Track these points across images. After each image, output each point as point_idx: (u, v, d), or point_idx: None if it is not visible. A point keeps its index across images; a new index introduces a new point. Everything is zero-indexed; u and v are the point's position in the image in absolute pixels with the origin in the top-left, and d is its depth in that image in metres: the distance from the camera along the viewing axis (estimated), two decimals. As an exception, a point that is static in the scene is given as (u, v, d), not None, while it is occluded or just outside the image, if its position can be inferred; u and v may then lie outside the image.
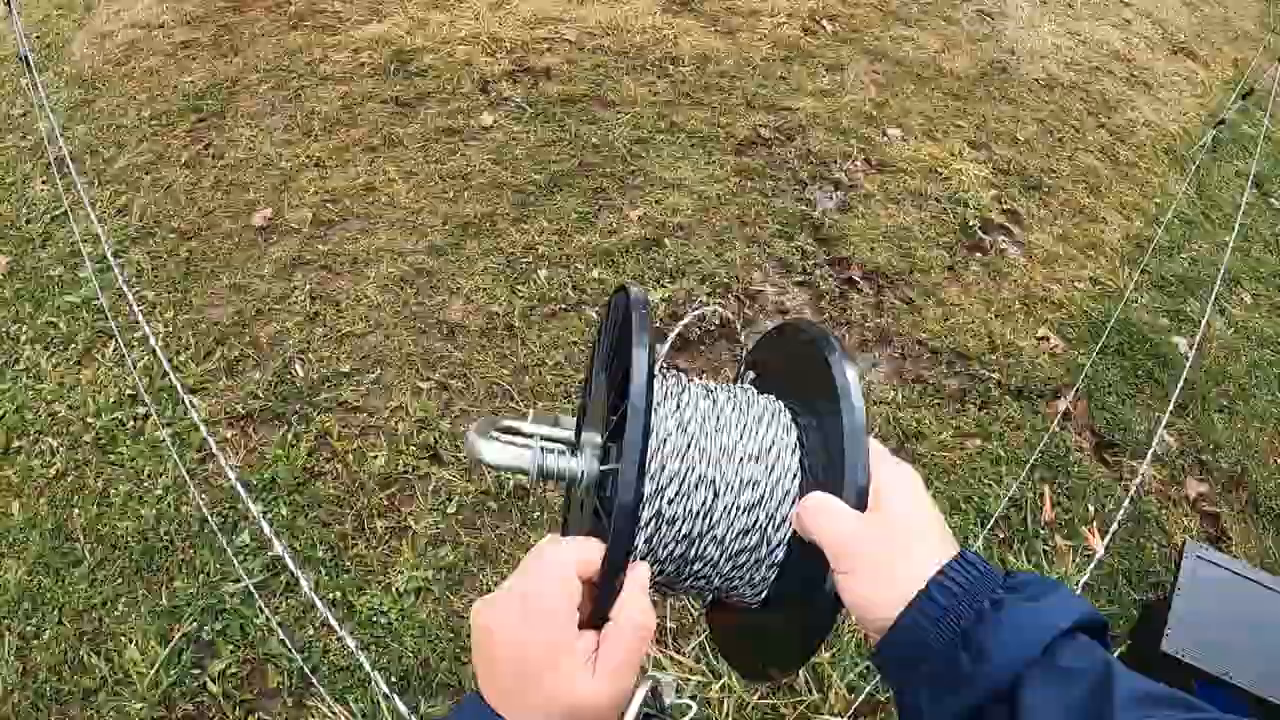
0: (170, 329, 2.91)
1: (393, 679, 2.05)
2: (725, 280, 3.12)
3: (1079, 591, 2.23)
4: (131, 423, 2.63)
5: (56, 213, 3.42)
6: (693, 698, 1.95)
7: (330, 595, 2.21)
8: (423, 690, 2.07)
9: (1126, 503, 2.49)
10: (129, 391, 2.69)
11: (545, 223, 3.32)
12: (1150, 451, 2.66)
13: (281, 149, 3.70)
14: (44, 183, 3.65)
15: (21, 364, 2.83)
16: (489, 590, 1.05)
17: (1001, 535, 2.50)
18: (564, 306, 2.98)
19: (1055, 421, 2.79)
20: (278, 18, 4.71)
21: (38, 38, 4.89)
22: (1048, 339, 3.17)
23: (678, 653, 2.03)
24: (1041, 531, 2.52)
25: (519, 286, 3.03)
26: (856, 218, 3.54)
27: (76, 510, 2.42)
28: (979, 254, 3.52)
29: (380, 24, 4.57)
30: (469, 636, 0.61)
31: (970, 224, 3.63)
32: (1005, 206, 3.83)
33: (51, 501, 2.45)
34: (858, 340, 3.02)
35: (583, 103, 4.01)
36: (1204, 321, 3.32)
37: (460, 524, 2.39)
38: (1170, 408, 2.83)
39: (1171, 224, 4.02)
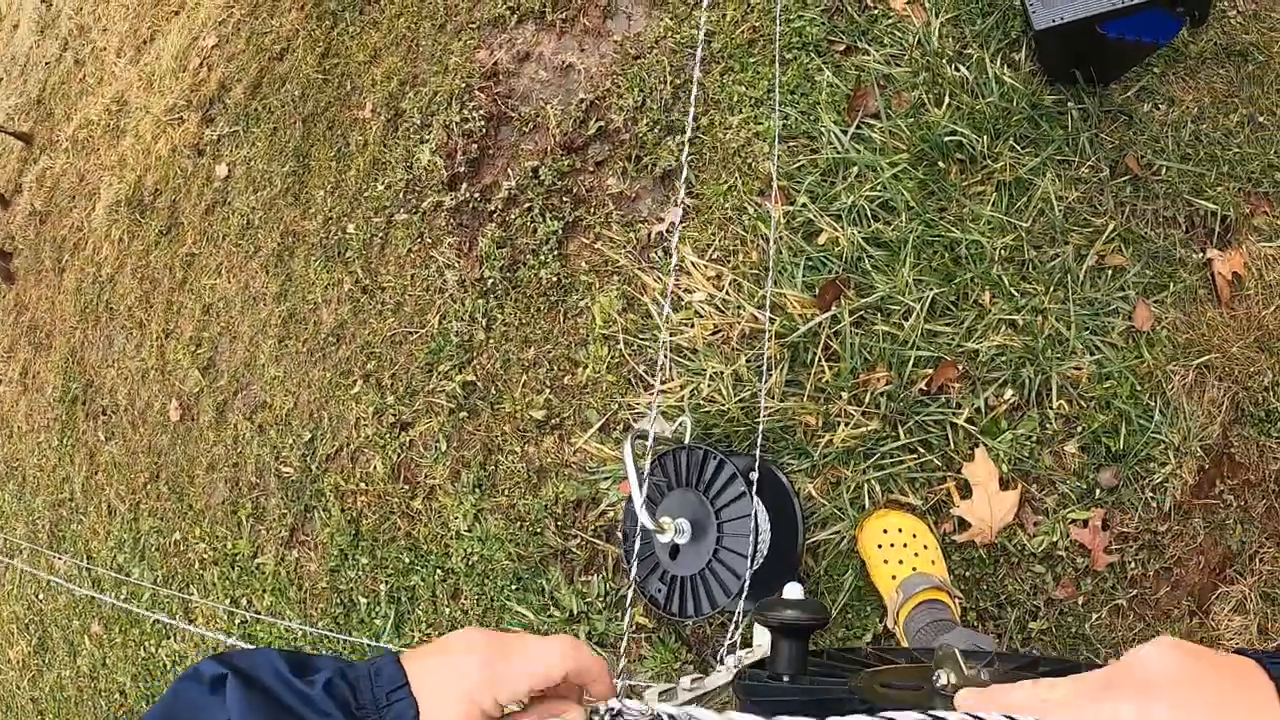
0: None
1: None
2: (462, 83, 2.62)
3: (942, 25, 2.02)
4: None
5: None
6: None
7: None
8: None
9: None
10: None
11: (320, 191, 2.93)
12: None
13: (139, 356, 3.51)
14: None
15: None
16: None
17: (841, 47, 2.09)
18: (380, 232, 2.71)
19: None
20: (46, 279, 4.53)
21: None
22: None
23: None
24: (875, 12, 2.09)
25: (346, 255, 2.75)
26: None
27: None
28: None
29: (100, 199, 4.24)
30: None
31: None
32: None
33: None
34: (599, 13, 2.47)
35: (264, 77, 3.46)
36: None
37: (459, 447, 2.32)
38: None
39: None
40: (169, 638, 3.11)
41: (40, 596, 4.06)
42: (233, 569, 2.81)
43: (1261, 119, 1.91)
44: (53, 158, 5.33)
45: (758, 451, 1.64)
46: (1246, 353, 1.80)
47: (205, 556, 2.92)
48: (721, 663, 0.93)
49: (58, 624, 3.90)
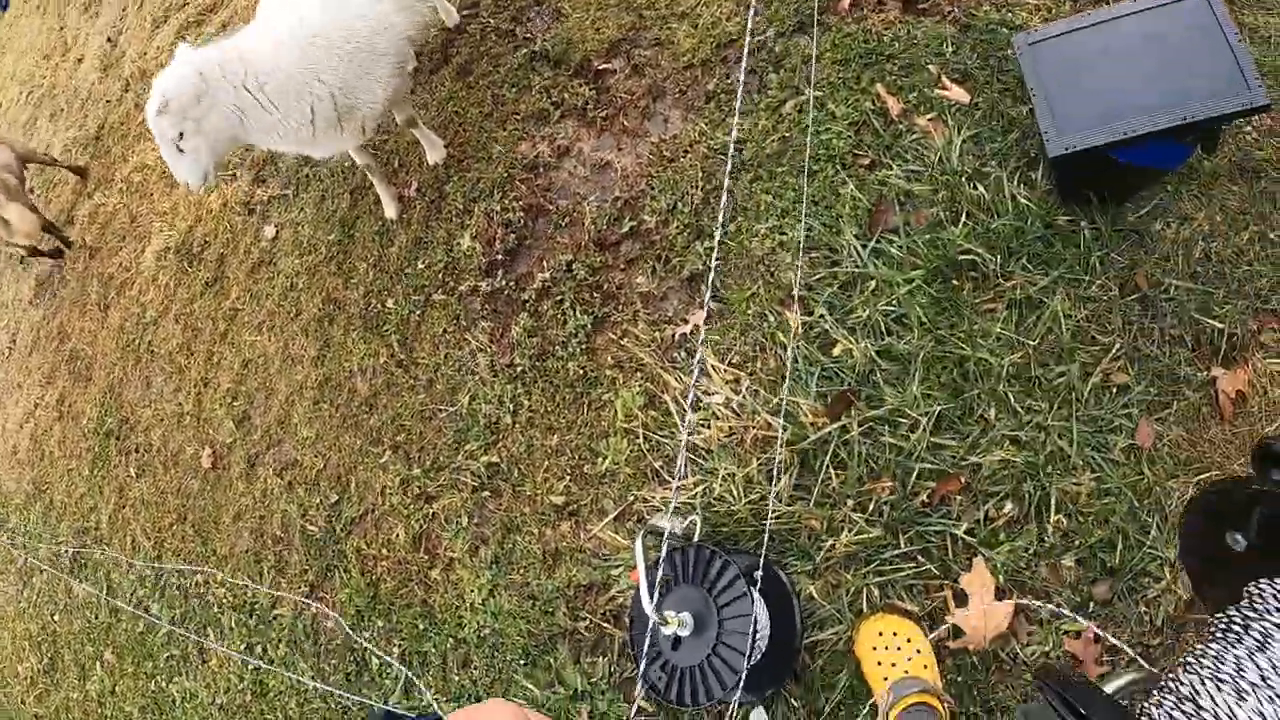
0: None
1: None
2: (504, 174, 2.80)
3: (964, 142, 2.12)
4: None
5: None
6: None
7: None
8: None
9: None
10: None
11: (363, 263, 3.10)
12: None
13: (176, 400, 3.66)
14: (79, 581, 3.88)
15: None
16: None
17: (866, 161, 2.23)
18: (419, 310, 2.83)
19: (847, 20, 2.42)
20: (91, 314, 4.76)
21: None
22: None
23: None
24: (900, 127, 2.24)
25: (384, 329, 2.90)
26: (569, 16, 3.07)
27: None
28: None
29: (151, 243, 4.47)
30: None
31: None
32: None
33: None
34: (639, 116, 2.67)
35: None
36: None
37: (480, 524, 2.39)
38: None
39: None
40: (181, 674, 3.19)
41: (56, 618, 4.15)
42: (250, 616, 2.90)
43: (1273, 235, 1.95)
44: (106, 195, 5.53)
45: (764, 553, 1.73)
46: (1247, 469, 1.83)
47: (225, 601, 3.02)
48: None
49: (70, 647, 3.97)
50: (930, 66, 2.28)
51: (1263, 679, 0.71)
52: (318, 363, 3.00)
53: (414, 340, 2.73)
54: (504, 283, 2.57)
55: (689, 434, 2.02)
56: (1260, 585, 0.79)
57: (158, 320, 4.05)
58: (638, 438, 2.15)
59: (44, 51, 7.63)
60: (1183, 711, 0.74)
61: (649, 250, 2.38)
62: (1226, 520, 0.93)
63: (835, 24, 2.44)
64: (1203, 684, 0.75)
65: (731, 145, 2.22)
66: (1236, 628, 0.77)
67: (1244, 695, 0.71)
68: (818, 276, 2.10)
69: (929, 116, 2.21)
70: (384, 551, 2.51)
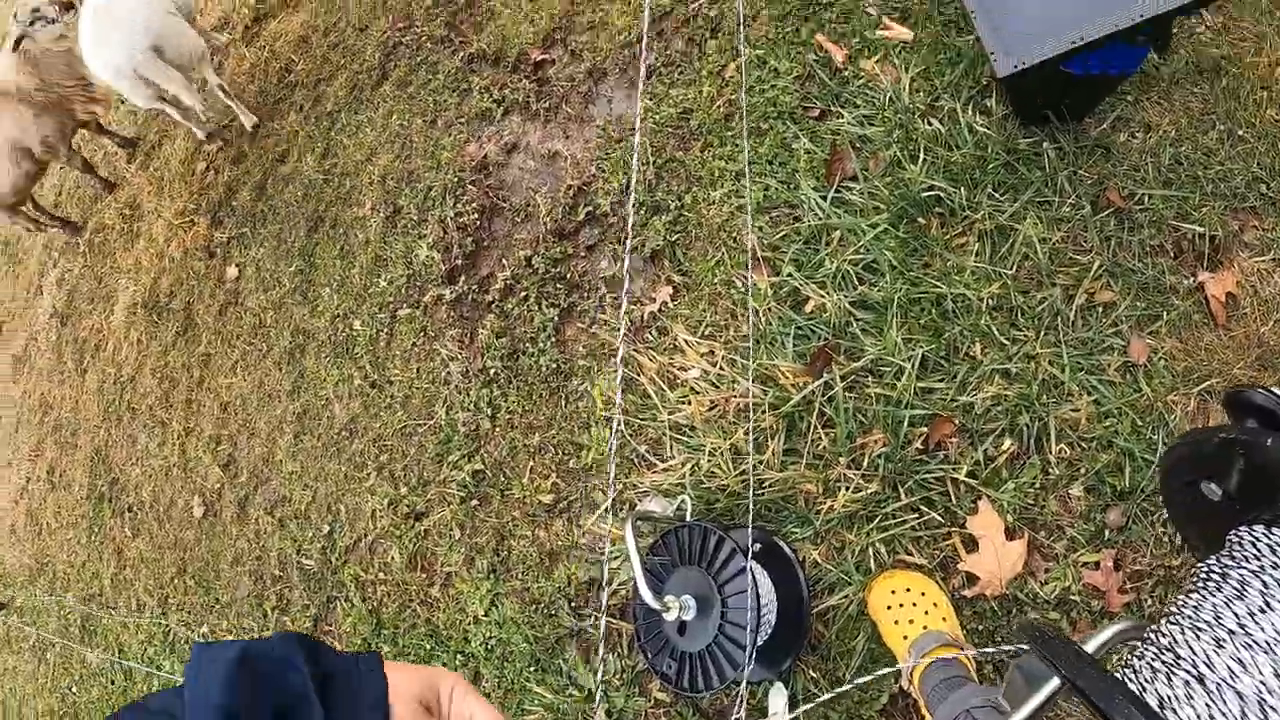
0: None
1: None
2: (454, 177, 2.75)
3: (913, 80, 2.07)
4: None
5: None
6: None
7: None
8: None
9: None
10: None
11: (326, 288, 3.09)
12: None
13: (161, 454, 3.61)
14: (92, 650, 3.86)
15: None
16: None
17: (815, 112, 2.18)
18: (385, 328, 2.79)
19: None
20: (69, 381, 4.75)
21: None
22: None
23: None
24: (846, 74, 2.19)
25: (354, 352, 2.86)
26: (500, 13, 3.01)
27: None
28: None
29: (119, 301, 4.42)
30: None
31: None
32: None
33: None
34: (581, 100, 2.62)
35: (268, 180, 3.63)
36: None
37: (472, 534, 2.34)
38: None
39: None
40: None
41: (74, 689, 4.11)
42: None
43: (1241, 132, 1.91)
44: (71, 260, 5.49)
45: (750, 520, 1.66)
46: (1248, 372, 1.79)
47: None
48: None
49: (91, 717, 3.94)
50: (869, 9, 2.23)
51: (1240, 626, 0.71)
52: (294, 395, 2.95)
53: (385, 359, 2.68)
54: (467, 288, 2.51)
55: (669, 413, 1.96)
56: (1240, 533, 0.79)
57: (134, 377, 4.00)
58: (618, 424, 2.09)
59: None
60: (1162, 661, 0.74)
61: (608, 234, 2.33)
62: (1201, 471, 0.93)
63: (767, -21, 2.37)
64: (1182, 634, 0.75)
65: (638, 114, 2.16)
66: (1215, 576, 0.78)
67: (1221, 643, 0.71)
68: (781, 235, 2.05)
69: (875, 59, 2.17)
70: (382, 575, 2.45)
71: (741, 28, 2.34)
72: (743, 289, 2.04)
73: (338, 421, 2.74)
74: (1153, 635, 0.80)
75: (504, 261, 2.47)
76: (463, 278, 2.53)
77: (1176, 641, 0.75)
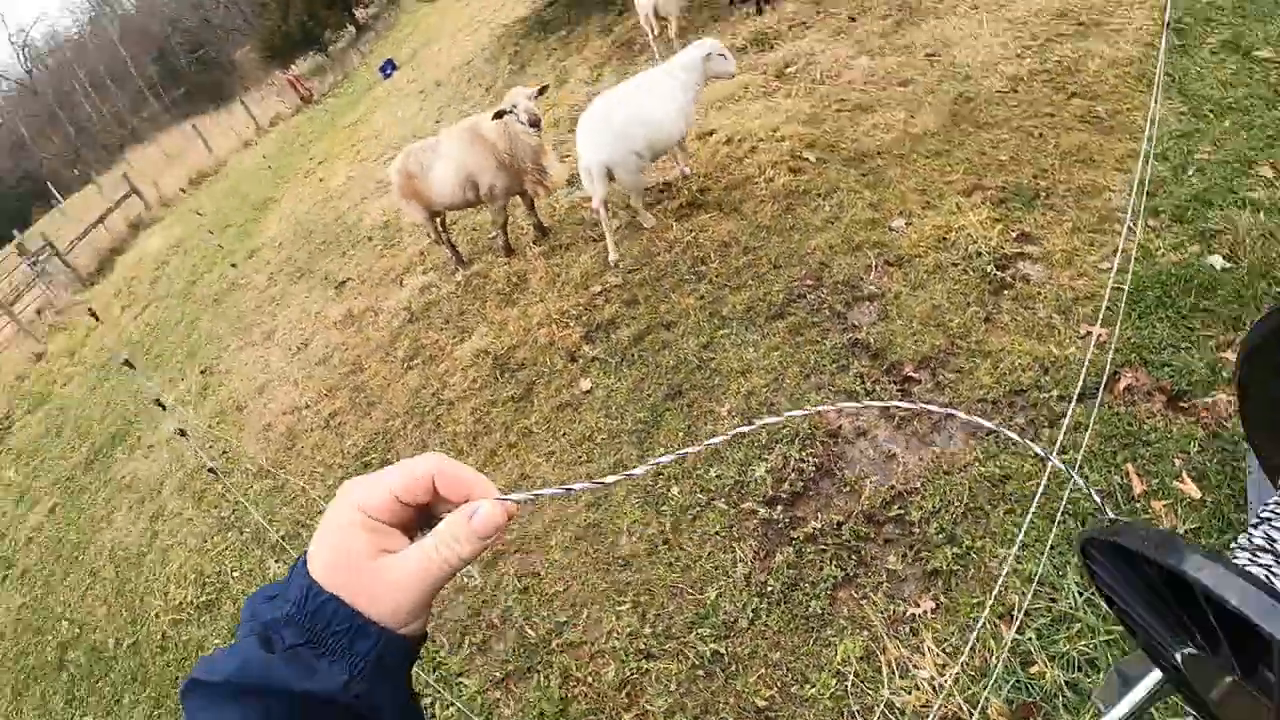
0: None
1: None
2: (809, 430, 3.33)
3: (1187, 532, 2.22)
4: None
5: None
6: None
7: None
8: None
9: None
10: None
11: (661, 449, 3.69)
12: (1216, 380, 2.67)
13: None
14: (276, 561, 4.55)
15: None
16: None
17: (1071, 506, 2.54)
18: (699, 507, 3.30)
19: (1119, 401, 2.82)
20: (392, 365, 5.70)
21: (212, 447, 6.19)
22: (1090, 333, 3.15)
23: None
24: (1138, 505, 2.52)
25: (661, 508, 3.39)
26: (894, 320, 3.72)
27: None
28: (1006, 292, 3.56)
29: (471, 339, 5.34)
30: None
31: (989, 270, 3.69)
32: (1014, 232, 3.86)
33: None
34: (929, 426, 3.13)
35: (649, 334, 4.42)
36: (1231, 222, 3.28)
37: (685, 695, 2.73)
38: (1223, 327, 2.83)
39: (1168, 147, 3.92)
40: None
41: (236, 575, 4.67)
42: (432, 673, 3.33)
43: None
44: (443, 281, 6.51)
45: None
46: None
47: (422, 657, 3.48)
48: None
49: (235, 601, 4.43)
50: (1176, 460, 2.63)
51: None
52: (592, 508, 3.58)
53: (685, 529, 3.25)
54: (781, 517, 3.07)
55: (890, 693, 2.38)
56: None
57: (454, 403, 4.83)
58: (846, 681, 2.51)
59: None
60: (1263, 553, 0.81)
61: (905, 538, 2.82)
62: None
63: (1109, 401, 2.88)
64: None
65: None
66: None
67: None
68: (1036, 605, 2.44)
69: (1164, 502, 2.53)
70: (589, 679, 2.92)
71: (1078, 431, 2.83)
72: (990, 634, 2.44)
73: (620, 550, 3.32)
74: (1244, 539, 0.85)
75: (819, 515, 3.01)
76: (780, 507, 3.10)
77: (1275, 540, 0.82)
